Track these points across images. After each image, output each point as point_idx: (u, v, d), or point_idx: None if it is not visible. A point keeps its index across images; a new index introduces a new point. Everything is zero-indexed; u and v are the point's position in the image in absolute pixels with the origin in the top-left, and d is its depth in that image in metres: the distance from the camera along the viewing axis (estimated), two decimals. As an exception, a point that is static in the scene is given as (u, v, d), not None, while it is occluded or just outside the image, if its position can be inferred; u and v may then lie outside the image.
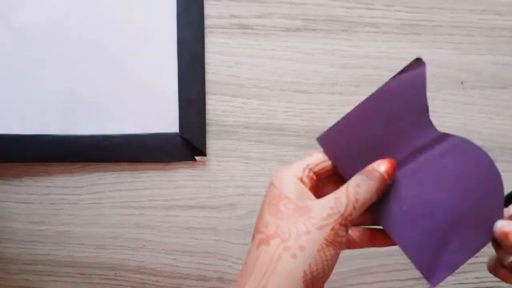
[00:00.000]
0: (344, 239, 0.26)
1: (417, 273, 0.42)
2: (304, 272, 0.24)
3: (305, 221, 0.25)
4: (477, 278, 0.43)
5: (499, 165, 0.43)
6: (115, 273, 0.43)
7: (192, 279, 0.43)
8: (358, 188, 0.26)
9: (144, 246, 0.43)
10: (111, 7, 0.42)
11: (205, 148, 0.42)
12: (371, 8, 0.43)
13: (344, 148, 0.29)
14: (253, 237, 0.27)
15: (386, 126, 0.29)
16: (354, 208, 0.26)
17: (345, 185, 0.27)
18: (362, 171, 0.28)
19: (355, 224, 0.30)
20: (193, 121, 0.42)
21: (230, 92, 0.43)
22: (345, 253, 0.43)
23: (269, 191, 0.28)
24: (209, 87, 0.42)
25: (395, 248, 0.43)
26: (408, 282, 0.43)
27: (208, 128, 0.42)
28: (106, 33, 0.42)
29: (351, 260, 0.43)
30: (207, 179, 0.43)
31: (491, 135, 0.43)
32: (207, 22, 0.43)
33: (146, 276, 0.43)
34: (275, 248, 0.25)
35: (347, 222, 0.26)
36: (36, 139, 0.41)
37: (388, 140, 0.29)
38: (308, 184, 0.28)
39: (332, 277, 0.42)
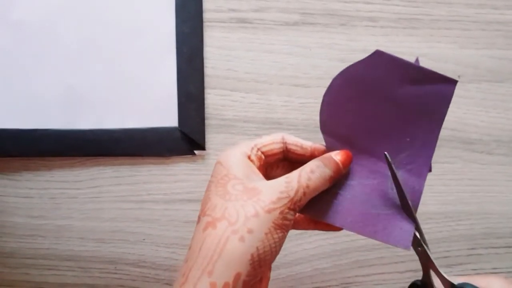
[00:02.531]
0: (291, 222, 0.26)
1: (414, 265, 0.43)
2: (252, 255, 0.24)
3: (254, 204, 0.25)
4: (474, 270, 0.44)
5: (496, 158, 0.44)
6: (115, 267, 0.43)
7: (192, 272, 0.43)
8: (312, 174, 0.26)
9: (144, 239, 0.43)
10: (110, 2, 0.42)
11: (204, 142, 0.42)
12: (369, 2, 0.43)
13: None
14: (199, 220, 0.26)
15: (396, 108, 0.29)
16: (304, 194, 0.26)
17: (298, 170, 0.27)
18: (319, 157, 0.28)
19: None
20: (192, 116, 0.42)
21: (229, 86, 0.43)
22: (342, 246, 0.43)
23: (216, 171, 0.27)
24: (208, 81, 0.43)
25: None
26: (405, 274, 0.44)
27: (207, 122, 0.42)
28: (105, 27, 0.42)
29: (349, 253, 0.43)
30: (206, 173, 0.43)
31: (488, 128, 0.44)
32: (206, 16, 0.43)
33: (146, 269, 0.43)
34: (222, 231, 0.24)
35: (296, 207, 0.26)
36: (36, 134, 0.41)
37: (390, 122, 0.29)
38: (257, 163, 0.28)
39: (329, 270, 0.43)
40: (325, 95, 0.29)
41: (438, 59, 0.44)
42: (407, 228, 0.27)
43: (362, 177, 0.29)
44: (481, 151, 0.44)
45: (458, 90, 0.44)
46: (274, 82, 0.43)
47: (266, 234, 0.24)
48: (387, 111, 0.29)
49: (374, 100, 0.29)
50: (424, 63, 0.43)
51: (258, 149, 0.28)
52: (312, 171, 0.27)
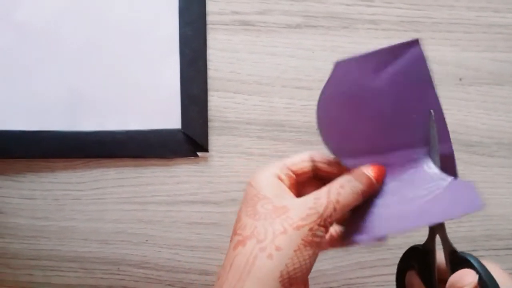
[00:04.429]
0: (323, 240, 0.25)
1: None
2: (281, 272, 0.24)
3: (282, 221, 0.25)
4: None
5: (497, 161, 0.44)
6: (118, 268, 0.43)
7: (194, 274, 0.43)
8: (342, 189, 0.26)
9: (147, 241, 0.43)
10: (114, 4, 0.42)
11: (207, 144, 0.43)
12: (371, 5, 0.44)
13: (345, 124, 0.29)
14: (231, 239, 0.26)
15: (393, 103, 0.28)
16: (335, 209, 0.25)
17: (327, 185, 0.26)
18: (350, 172, 0.27)
19: (339, 223, 0.30)
20: (195, 117, 0.42)
21: (231, 89, 0.43)
22: (344, 248, 0.44)
23: (247, 192, 0.27)
24: (211, 83, 0.43)
25: (394, 242, 0.43)
26: (406, 275, 0.44)
27: (210, 124, 0.43)
28: (108, 29, 0.42)
29: (350, 254, 0.43)
30: (209, 175, 0.43)
31: (488, 131, 0.44)
32: (209, 18, 0.43)
33: (148, 270, 0.43)
34: (251, 249, 0.24)
35: (326, 223, 0.25)
36: (39, 135, 0.41)
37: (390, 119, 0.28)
38: (287, 182, 0.28)
39: (331, 271, 0.43)
40: (319, 123, 0.29)
41: (440, 61, 0.44)
42: (468, 188, 0.26)
43: (394, 176, 0.28)
44: (482, 154, 0.44)
45: (459, 93, 0.44)
46: (277, 85, 0.43)
47: (295, 251, 0.24)
48: (380, 103, 0.28)
49: (363, 102, 0.28)
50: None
51: (288, 168, 0.28)
52: (342, 186, 0.26)
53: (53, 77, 0.42)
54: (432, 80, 0.28)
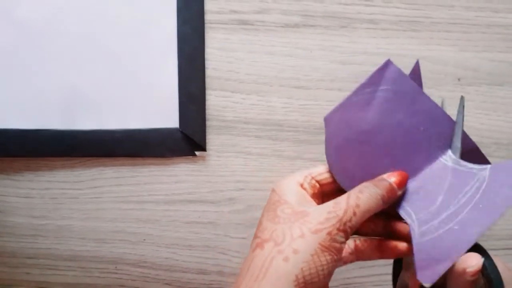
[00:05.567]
0: (342, 246, 0.25)
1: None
2: (296, 276, 0.24)
3: (300, 225, 0.25)
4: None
5: (495, 161, 0.44)
6: (116, 267, 0.43)
7: (192, 273, 0.43)
8: (360, 194, 0.26)
9: (144, 240, 0.43)
10: (112, 2, 0.42)
11: (205, 143, 0.43)
12: (370, 4, 0.43)
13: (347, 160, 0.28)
14: (251, 243, 0.27)
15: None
16: (355, 213, 0.25)
17: (347, 192, 0.27)
18: (370, 180, 0.27)
19: (364, 234, 0.29)
20: (193, 117, 0.42)
21: (230, 88, 0.43)
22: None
23: (270, 198, 0.28)
24: (209, 82, 0.43)
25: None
26: (404, 275, 0.44)
27: (208, 123, 0.43)
28: (106, 28, 0.42)
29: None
30: (207, 174, 0.43)
31: (487, 131, 0.44)
32: (207, 17, 0.43)
33: (146, 269, 0.43)
34: (269, 251, 0.25)
35: (346, 228, 0.25)
36: (37, 134, 0.41)
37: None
38: (310, 191, 0.28)
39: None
40: (332, 170, 0.29)
41: (438, 61, 0.44)
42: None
43: (434, 190, 0.27)
44: (480, 154, 0.44)
45: (457, 93, 0.44)
46: (275, 84, 0.43)
47: (312, 255, 0.24)
48: (383, 134, 0.28)
49: (367, 141, 0.28)
50: (424, 66, 0.43)
51: (312, 177, 0.28)
52: (360, 191, 0.26)
53: (51, 76, 0.42)
54: (420, 88, 0.28)
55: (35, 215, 0.43)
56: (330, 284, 0.43)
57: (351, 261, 0.29)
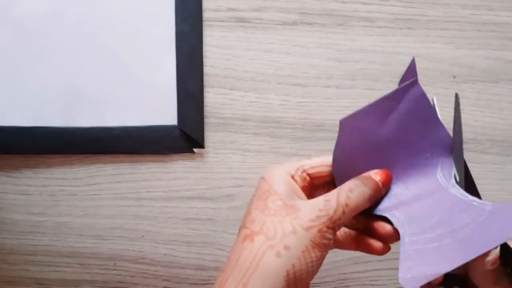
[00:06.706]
0: (330, 242, 0.25)
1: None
2: (287, 272, 0.24)
3: (292, 221, 0.25)
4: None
5: (489, 157, 0.45)
6: (114, 263, 0.43)
7: (191, 269, 0.44)
8: (350, 193, 0.26)
9: (143, 236, 0.43)
10: (110, 0, 0.42)
11: (203, 141, 0.43)
12: (366, 2, 0.44)
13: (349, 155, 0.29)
14: (239, 231, 0.26)
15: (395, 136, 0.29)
16: (344, 212, 0.26)
17: (337, 189, 0.27)
18: (358, 176, 0.28)
19: (346, 226, 0.30)
20: (191, 114, 0.42)
21: (227, 85, 0.43)
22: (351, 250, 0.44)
23: (259, 185, 0.28)
24: (207, 80, 0.43)
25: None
26: (400, 271, 0.44)
27: (206, 120, 0.43)
28: (105, 25, 0.42)
29: (345, 250, 0.44)
30: (205, 171, 0.43)
31: (482, 128, 0.45)
32: (205, 15, 0.43)
33: (145, 266, 0.43)
34: (259, 245, 0.24)
35: (335, 226, 0.25)
36: (35, 131, 0.42)
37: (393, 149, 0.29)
38: (300, 183, 0.28)
39: (325, 266, 0.44)
40: (336, 177, 0.29)
41: (434, 59, 0.44)
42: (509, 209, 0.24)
43: (426, 210, 0.27)
44: (475, 150, 0.44)
45: (453, 90, 0.45)
46: (272, 81, 0.43)
47: (303, 252, 0.24)
48: (391, 150, 0.29)
49: (375, 153, 0.29)
50: (420, 63, 0.44)
51: (304, 170, 0.28)
52: (350, 190, 0.27)
53: (49, 74, 0.42)
54: (438, 115, 0.28)
55: (33, 212, 0.43)
56: (327, 279, 0.44)
57: (330, 248, 0.29)
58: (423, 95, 0.28)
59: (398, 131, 0.28)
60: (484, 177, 0.44)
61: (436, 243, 0.25)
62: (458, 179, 0.28)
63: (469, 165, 0.44)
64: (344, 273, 0.44)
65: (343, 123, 0.28)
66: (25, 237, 0.43)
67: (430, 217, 0.27)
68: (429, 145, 0.29)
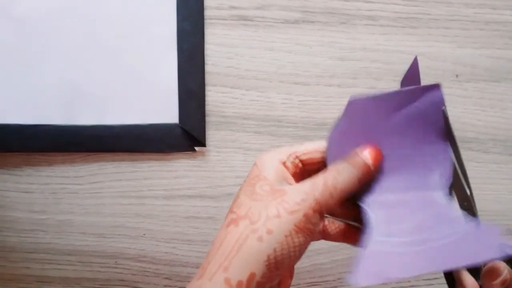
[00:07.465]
0: (317, 228, 0.25)
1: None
2: (268, 256, 0.24)
3: (277, 205, 0.24)
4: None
5: (491, 157, 0.45)
6: (116, 261, 0.43)
7: (192, 267, 0.44)
8: (338, 175, 0.26)
9: (144, 235, 0.43)
10: (111, -2, 0.42)
11: (204, 139, 0.43)
12: (369, 1, 0.44)
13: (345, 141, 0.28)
14: (226, 217, 0.26)
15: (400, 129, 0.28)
16: (331, 195, 0.25)
17: (323, 171, 0.26)
18: (347, 158, 0.27)
19: (336, 215, 0.29)
20: (193, 112, 0.42)
21: (229, 84, 0.43)
22: (340, 242, 0.44)
23: (251, 171, 0.27)
24: (209, 78, 0.43)
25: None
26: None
27: (207, 119, 0.43)
28: (106, 23, 0.42)
29: (346, 248, 0.44)
30: (206, 169, 0.43)
31: (484, 127, 0.44)
32: (207, 13, 0.43)
33: (146, 264, 0.43)
34: (243, 229, 0.24)
35: (322, 209, 0.25)
36: (37, 129, 0.42)
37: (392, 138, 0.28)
38: (292, 169, 0.27)
39: (327, 265, 0.44)
40: (328, 155, 0.28)
41: (436, 58, 0.44)
42: (493, 233, 0.24)
43: (412, 212, 0.27)
44: (477, 150, 0.44)
45: (455, 89, 0.44)
46: (274, 80, 0.43)
47: (286, 236, 0.24)
48: (393, 143, 0.28)
49: (375, 141, 0.28)
50: (422, 62, 0.44)
51: (296, 156, 0.28)
52: (338, 173, 0.26)
53: (51, 72, 0.42)
54: (450, 125, 0.28)
55: (35, 210, 0.43)
56: (327, 278, 0.44)
57: (318, 239, 0.29)
58: (441, 102, 0.27)
59: (403, 128, 0.28)
60: (486, 176, 0.44)
61: (407, 247, 0.25)
62: (453, 193, 0.28)
63: (471, 164, 0.44)
64: (345, 272, 0.44)
65: (353, 102, 0.27)
66: (27, 235, 0.43)
67: (409, 221, 0.26)
68: (430, 151, 0.28)
